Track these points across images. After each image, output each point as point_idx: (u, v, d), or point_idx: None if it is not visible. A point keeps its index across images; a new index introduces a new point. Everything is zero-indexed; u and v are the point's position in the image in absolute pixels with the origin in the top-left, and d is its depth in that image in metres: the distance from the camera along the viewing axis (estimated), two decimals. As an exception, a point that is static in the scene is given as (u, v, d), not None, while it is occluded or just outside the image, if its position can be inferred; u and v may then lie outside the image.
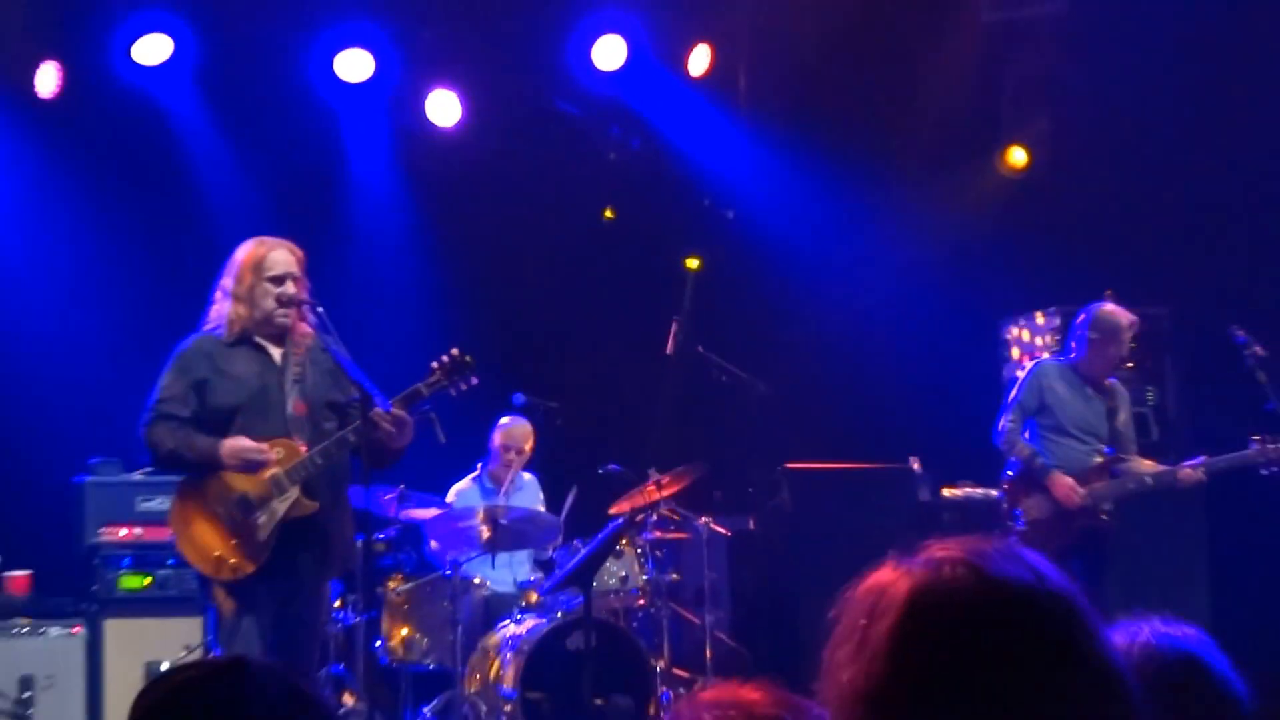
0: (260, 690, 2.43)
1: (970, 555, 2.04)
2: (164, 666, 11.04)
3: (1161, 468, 11.69)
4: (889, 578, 2.07)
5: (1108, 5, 15.08)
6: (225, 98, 14.39)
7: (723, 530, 12.50)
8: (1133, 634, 3.32)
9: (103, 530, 11.81)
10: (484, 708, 11.20)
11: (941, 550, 2.08)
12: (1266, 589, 12.66)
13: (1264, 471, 11.11)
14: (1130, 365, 12.49)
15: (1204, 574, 13.40)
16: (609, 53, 15.15)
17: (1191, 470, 11.56)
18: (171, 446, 9.20)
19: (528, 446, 12.54)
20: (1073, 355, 11.94)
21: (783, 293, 14.89)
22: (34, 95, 13.79)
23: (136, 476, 11.48)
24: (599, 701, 10.83)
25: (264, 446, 9.06)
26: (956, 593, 2.02)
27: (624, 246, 15.78)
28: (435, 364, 9.58)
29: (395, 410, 9.31)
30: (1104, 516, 11.59)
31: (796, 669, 11.18)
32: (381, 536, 11.31)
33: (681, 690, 11.56)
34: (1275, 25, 13.98)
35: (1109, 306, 11.87)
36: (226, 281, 9.44)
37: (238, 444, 9.09)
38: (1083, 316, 11.93)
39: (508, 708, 10.84)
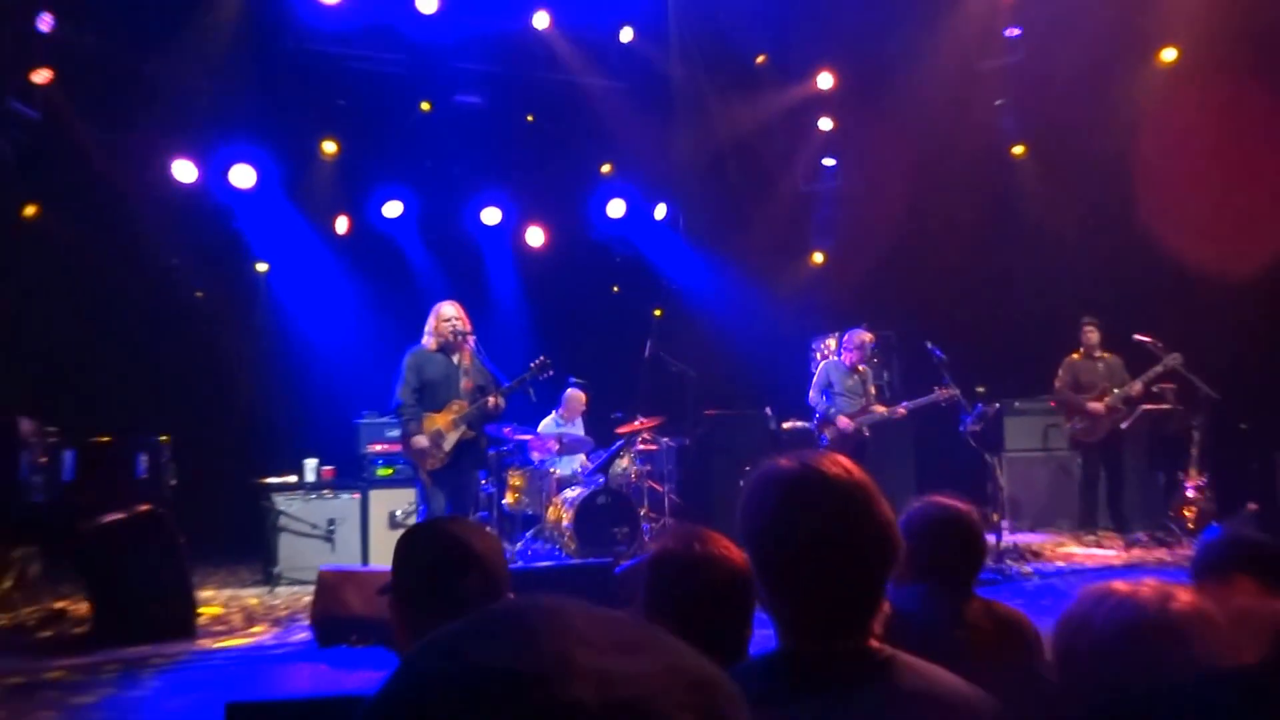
0: (471, 528, 2.43)
1: (809, 461, 2.05)
2: (398, 513, 11.40)
3: (889, 409, 11.70)
4: (775, 471, 2.06)
5: (861, 184, 15.10)
6: (428, 233, 14.52)
7: (674, 444, 12.49)
8: (925, 506, 3.43)
9: (369, 446, 11.85)
10: (555, 533, 11.22)
11: (786, 461, 2.07)
12: (945, 475, 12.65)
13: (943, 404, 11.11)
14: (875, 360, 12.45)
15: (912, 466, 13.38)
16: (616, 208, 15.21)
17: (904, 407, 11.58)
18: (407, 417, 9.53)
19: (582, 404, 12.60)
20: (842, 356, 11.94)
21: (700, 326, 14.81)
22: (335, 234, 13.82)
23: (385, 419, 11.50)
24: (612, 529, 10.87)
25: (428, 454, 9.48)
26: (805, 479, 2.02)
27: (623, 304, 15.76)
28: (531, 364, 9.75)
29: (511, 386, 9.56)
30: (866, 434, 11.59)
31: (709, 514, 11.32)
32: (506, 448, 11.32)
33: (652, 525, 11.56)
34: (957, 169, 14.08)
35: (860, 331, 11.90)
36: (429, 323, 9.62)
37: (418, 444, 9.47)
38: (847, 336, 11.95)
39: (567, 533, 10.84)
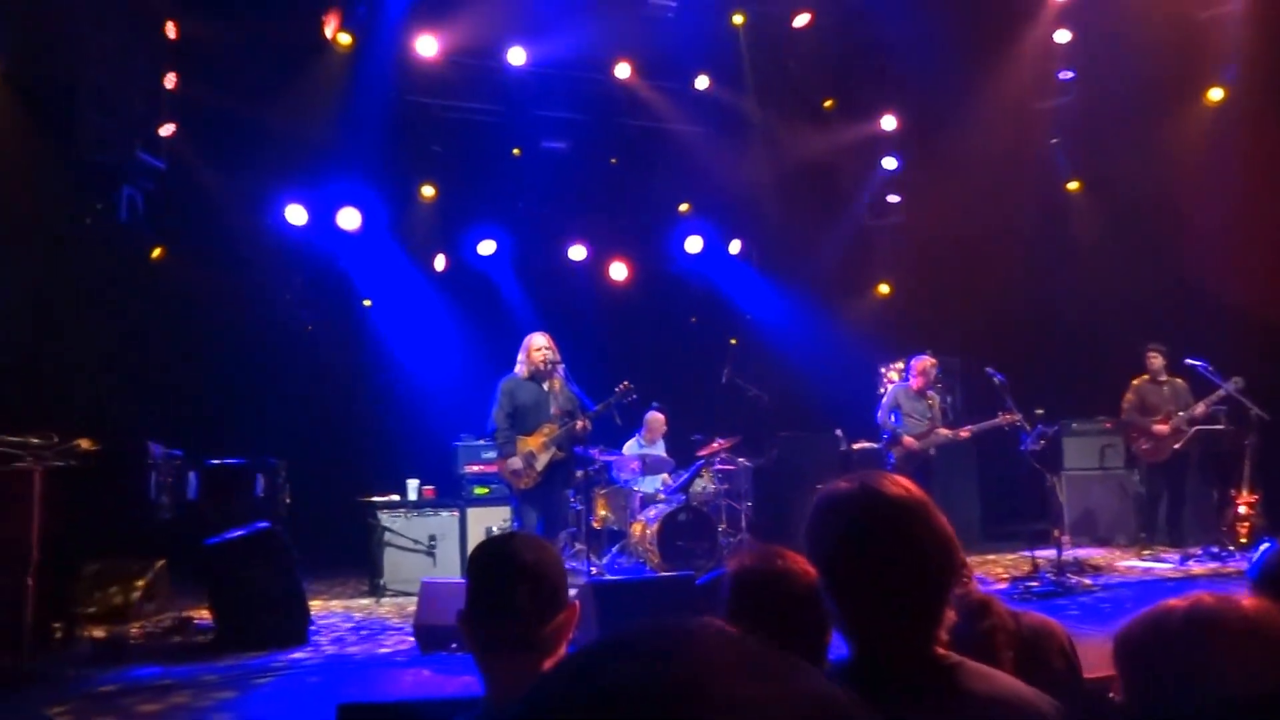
0: (526, 541, 2.43)
1: (867, 481, 2.04)
2: (494, 529, 11.24)
3: (953, 431, 11.60)
4: (836, 492, 2.07)
5: (924, 218, 14.98)
6: (520, 269, 14.58)
7: (750, 464, 12.41)
8: None
9: (466, 466, 11.85)
10: (640, 548, 11.19)
11: (845, 483, 2.08)
12: (1007, 493, 12.50)
13: (1005, 429, 10.99)
14: (939, 384, 12.33)
15: (975, 484, 13.26)
16: (693, 244, 15.22)
17: (967, 430, 11.49)
18: (501, 440, 9.54)
19: (663, 427, 12.56)
20: (909, 381, 11.85)
21: (773, 353, 14.73)
22: (434, 271, 13.96)
23: (481, 442, 11.51)
24: (693, 544, 10.83)
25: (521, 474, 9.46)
26: (856, 498, 2.02)
27: (701, 333, 15.71)
28: (616, 390, 9.75)
29: (597, 411, 9.56)
30: (931, 454, 11.50)
31: (784, 531, 11.12)
32: (593, 469, 11.28)
33: (730, 541, 11.46)
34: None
35: (923, 357, 11.80)
36: (521, 352, 9.65)
37: (512, 465, 9.47)
38: (913, 362, 11.86)
39: (651, 547, 10.81)
